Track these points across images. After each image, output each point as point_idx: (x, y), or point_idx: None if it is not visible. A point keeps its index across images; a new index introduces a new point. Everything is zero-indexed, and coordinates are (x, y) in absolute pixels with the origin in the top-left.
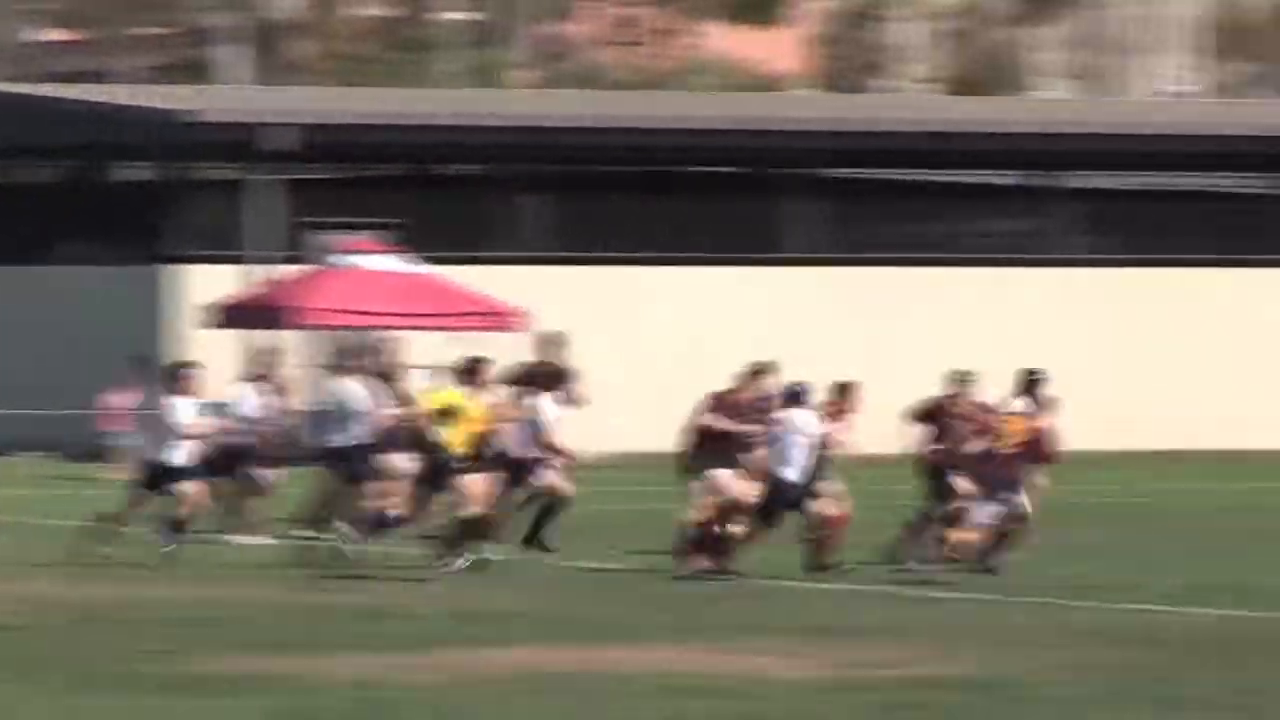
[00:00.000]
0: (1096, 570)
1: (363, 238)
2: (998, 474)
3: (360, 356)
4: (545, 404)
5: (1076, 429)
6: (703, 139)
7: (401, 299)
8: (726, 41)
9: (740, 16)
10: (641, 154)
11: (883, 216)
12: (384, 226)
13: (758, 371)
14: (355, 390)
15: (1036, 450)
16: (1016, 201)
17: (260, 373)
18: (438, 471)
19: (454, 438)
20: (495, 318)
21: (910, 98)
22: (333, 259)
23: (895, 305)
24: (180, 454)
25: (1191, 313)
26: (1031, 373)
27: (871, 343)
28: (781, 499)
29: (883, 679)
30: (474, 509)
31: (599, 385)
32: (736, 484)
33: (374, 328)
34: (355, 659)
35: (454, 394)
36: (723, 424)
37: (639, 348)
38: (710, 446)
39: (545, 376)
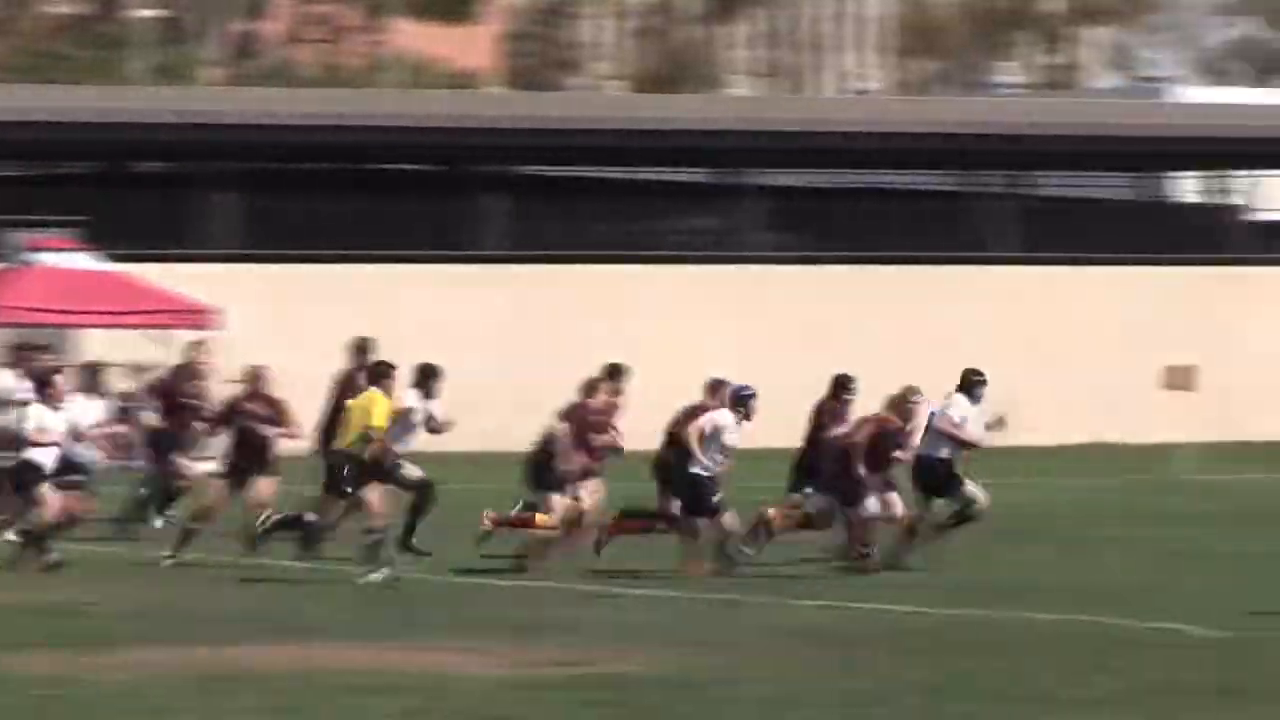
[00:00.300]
0: (811, 569)
1: (52, 235)
2: (835, 473)
3: (90, 373)
4: (415, 401)
5: (768, 427)
6: (393, 136)
7: (91, 296)
8: (418, 39)
9: (428, 13)
10: (331, 151)
11: (574, 214)
12: (73, 224)
13: (607, 376)
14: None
15: (879, 451)
16: (706, 199)
17: (28, 368)
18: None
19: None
20: (186, 315)
21: (600, 95)
22: (21, 256)
23: (587, 303)
24: (41, 459)
25: (879, 311)
26: (974, 373)
27: (562, 342)
28: (696, 494)
29: (559, 677)
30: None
31: (287, 385)
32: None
33: (63, 325)
34: (48, 656)
35: (382, 400)
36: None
37: (326, 347)
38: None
39: (419, 374)
